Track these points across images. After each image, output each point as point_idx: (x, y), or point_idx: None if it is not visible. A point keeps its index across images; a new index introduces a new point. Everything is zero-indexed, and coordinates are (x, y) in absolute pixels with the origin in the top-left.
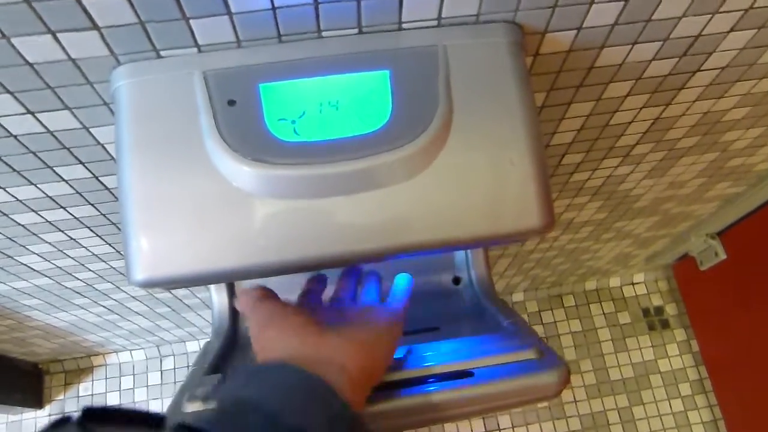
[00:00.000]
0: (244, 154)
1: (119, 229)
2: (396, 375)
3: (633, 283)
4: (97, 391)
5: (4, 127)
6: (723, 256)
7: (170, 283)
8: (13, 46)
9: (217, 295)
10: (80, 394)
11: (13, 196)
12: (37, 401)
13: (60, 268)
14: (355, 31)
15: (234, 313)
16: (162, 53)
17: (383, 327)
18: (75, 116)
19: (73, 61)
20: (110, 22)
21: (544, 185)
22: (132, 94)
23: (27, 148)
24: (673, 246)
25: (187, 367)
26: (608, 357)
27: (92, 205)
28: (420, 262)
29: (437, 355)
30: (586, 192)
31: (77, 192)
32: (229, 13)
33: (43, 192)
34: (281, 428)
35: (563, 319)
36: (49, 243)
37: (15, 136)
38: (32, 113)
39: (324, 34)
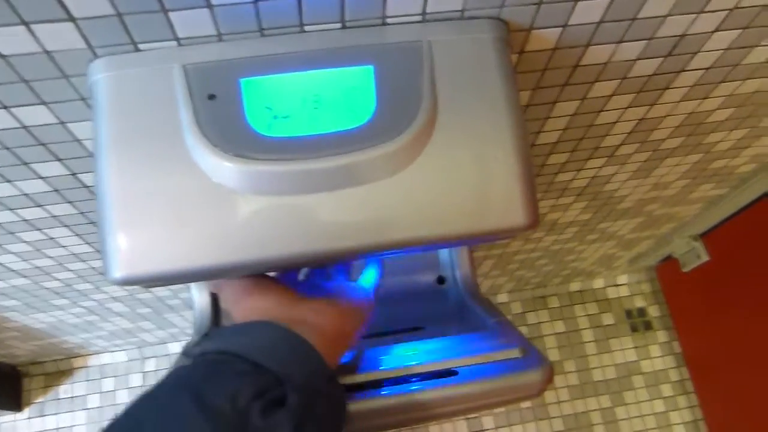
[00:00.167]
0: (224, 149)
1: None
2: (380, 374)
3: (616, 285)
4: (77, 393)
5: None
6: (705, 257)
7: (149, 281)
8: None
9: (199, 295)
10: (60, 397)
11: None
12: (16, 404)
13: (38, 268)
14: (339, 25)
15: (215, 313)
16: (140, 46)
17: (355, 300)
18: (51, 111)
19: (49, 53)
20: (87, 13)
21: (529, 183)
22: (110, 88)
23: (2, 144)
24: (657, 247)
25: (169, 368)
26: (591, 358)
27: (70, 202)
28: (405, 261)
29: (421, 354)
30: (570, 192)
31: (54, 189)
32: (209, 5)
33: (19, 189)
34: (265, 375)
35: (547, 320)
36: (27, 242)
37: None
38: (6, 108)
39: (307, 28)
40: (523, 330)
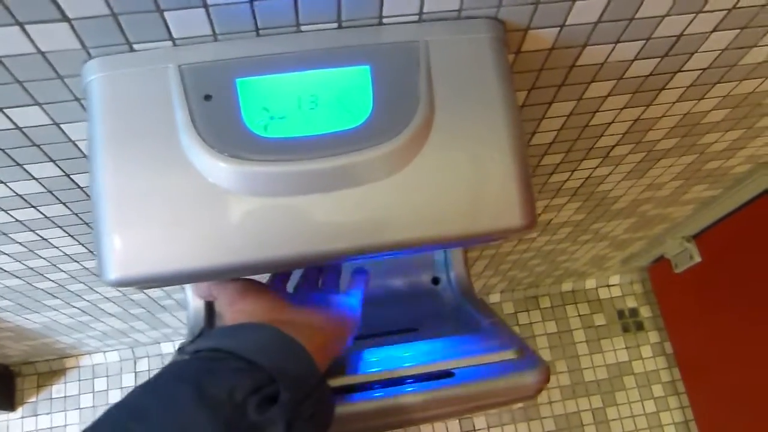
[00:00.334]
0: (220, 150)
1: (92, 228)
2: (375, 375)
3: (608, 285)
4: (70, 393)
5: None
6: (698, 259)
7: (144, 282)
8: None
9: (193, 296)
10: (53, 396)
11: None
12: (9, 403)
13: (31, 268)
14: (335, 25)
15: (209, 314)
16: (135, 46)
17: (343, 311)
18: (45, 112)
19: (43, 54)
20: (81, 13)
21: (526, 184)
22: (104, 88)
23: None
24: (649, 248)
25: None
26: (583, 358)
27: (64, 204)
28: (399, 262)
29: (417, 356)
30: (564, 193)
31: (48, 190)
32: (205, 5)
33: (13, 190)
34: (259, 373)
35: (539, 320)
36: (20, 243)
37: None
38: (0, 109)
39: (303, 28)
40: (515, 330)
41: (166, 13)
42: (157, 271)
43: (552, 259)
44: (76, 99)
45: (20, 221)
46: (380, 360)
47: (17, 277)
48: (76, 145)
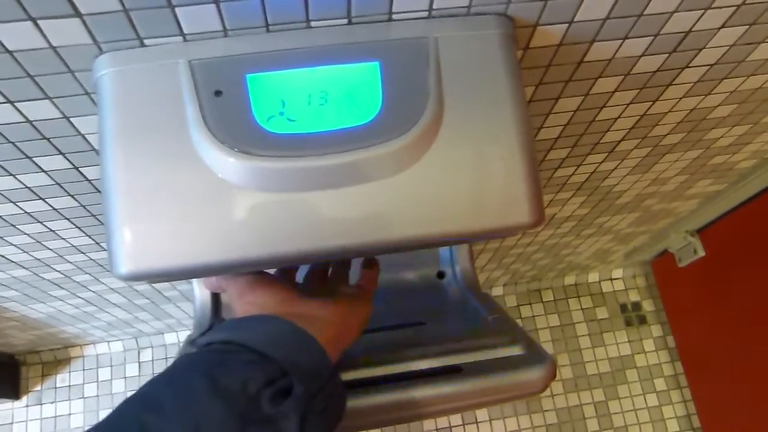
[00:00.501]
0: (230, 145)
1: (99, 220)
2: (384, 370)
3: (611, 279)
4: (74, 382)
5: None
6: (702, 253)
7: (155, 277)
8: None
9: (199, 288)
10: (58, 386)
11: None
12: (13, 392)
13: (38, 259)
14: (345, 21)
15: (216, 306)
16: (146, 42)
17: (353, 301)
18: (55, 106)
19: (54, 49)
20: (93, 9)
21: (534, 181)
22: (115, 83)
23: (6, 138)
24: (653, 242)
25: (165, 359)
26: (585, 352)
27: (72, 196)
28: (404, 256)
29: (425, 351)
30: (569, 188)
31: (57, 183)
32: (215, 1)
33: (22, 183)
34: (271, 365)
35: (542, 313)
36: (28, 234)
37: None
38: (11, 102)
39: (313, 24)
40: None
41: (177, 9)
42: (168, 266)
43: (555, 252)
44: (87, 93)
45: (28, 213)
46: (388, 355)
47: (24, 267)
48: (85, 139)
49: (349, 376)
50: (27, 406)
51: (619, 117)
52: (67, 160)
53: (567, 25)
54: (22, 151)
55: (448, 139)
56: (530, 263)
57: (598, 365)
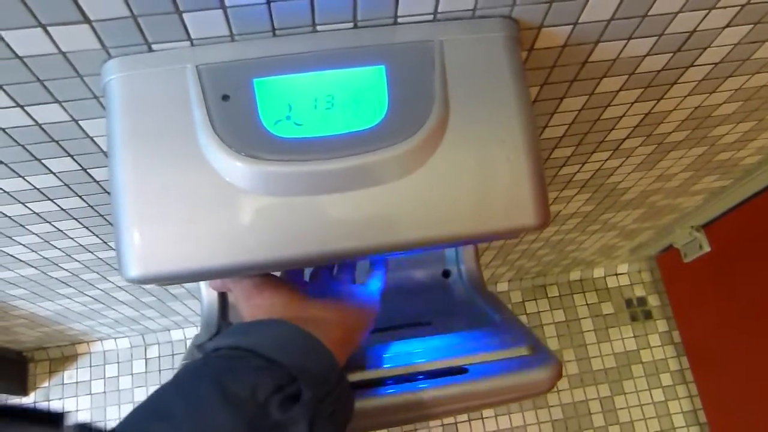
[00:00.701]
0: (237, 149)
1: (106, 220)
2: (390, 371)
3: (617, 274)
4: (81, 378)
5: None
6: (707, 248)
7: (164, 280)
8: (2, 39)
9: (206, 288)
10: (65, 382)
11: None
12: (22, 389)
13: (46, 258)
14: (351, 25)
15: (223, 306)
16: (154, 47)
17: (361, 302)
18: (64, 109)
19: (64, 54)
20: (102, 15)
21: (540, 182)
22: (124, 87)
23: (15, 140)
24: (658, 238)
25: (172, 355)
26: (591, 347)
27: (80, 196)
28: (409, 255)
29: (430, 351)
30: (574, 185)
31: (65, 184)
32: (223, 6)
33: (31, 184)
34: (279, 371)
35: (547, 309)
36: (36, 234)
37: (3, 129)
38: (21, 106)
39: (319, 28)
40: (523, 319)
41: (184, 15)
42: (177, 269)
43: (560, 248)
44: (95, 97)
45: (37, 213)
46: (394, 356)
47: (32, 266)
48: (93, 141)
49: (354, 377)
50: (35, 402)
51: (623, 115)
52: (76, 161)
53: (572, 26)
54: (32, 153)
55: (454, 141)
56: (535, 259)
57: (604, 361)
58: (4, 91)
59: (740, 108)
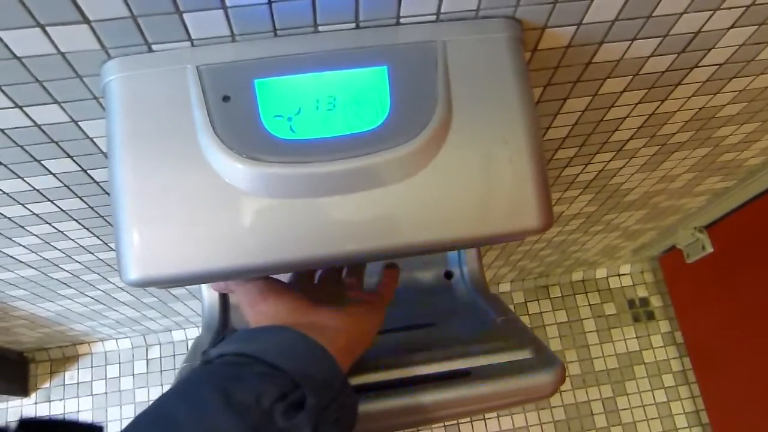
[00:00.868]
0: (238, 151)
1: (107, 221)
2: (392, 374)
3: (619, 275)
4: (82, 379)
5: None
6: (710, 249)
7: (164, 283)
8: (1, 39)
9: (208, 290)
10: (66, 383)
11: None
12: (22, 389)
13: (47, 259)
14: (353, 25)
15: (224, 307)
16: (154, 47)
17: (367, 308)
18: (64, 110)
19: (63, 54)
20: (101, 15)
21: (543, 185)
22: (124, 88)
23: (14, 141)
24: (661, 238)
25: (173, 356)
26: (593, 348)
27: (80, 197)
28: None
29: (433, 354)
30: (577, 186)
31: (65, 185)
32: (223, 6)
33: (31, 185)
34: (283, 377)
35: (549, 309)
36: (36, 235)
37: (2, 130)
38: (20, 107)
39: (321, 28)
40: (525, 320)
41: (185, 15)
42: (177, 272)
43: (563, 249)
44: (95, 97)
45: (37, 214)
46: (396, 359)
47: (32, 267)
48: (93, 142)
49: (356, 380)
50: (36, 403)
51: (627, 116)
52: (75, 162)
53: (576, 27)
54: (31, 154)
55: (457, 143)
56: (537, 260)
57: (606, 361)
58: (3, 91)
59: (745, 109)
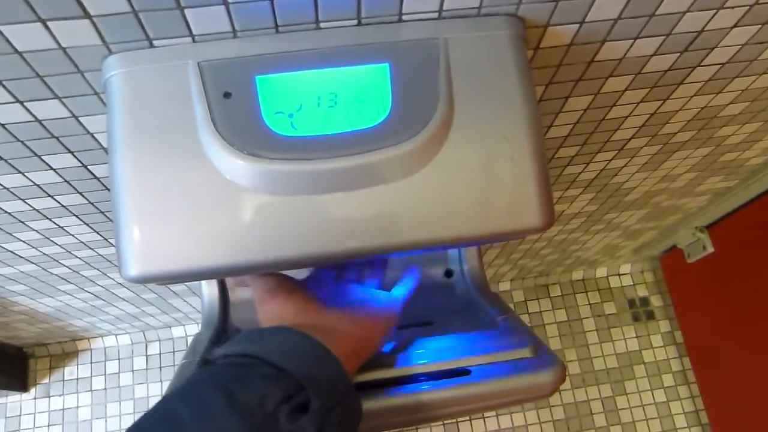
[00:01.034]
0: (239, 148)
1: (107, 217)
2: (391, 372)
3: (619, 274)
4: (82, 375)
5: None
6: (711, 249)
7: (164, 279)
8: (2, 34)
9: (208, 286)
10: (65, 378)
11: None
12: (21, 385)
13: (47, 255)
14: (355, 22)
15: (224, 304)
16: (155, 43)
17: (380, 309)
18: (64, 105)
19: (64, 50)
20: (102, 10)
21: (545, 183)
22: (125, 84)
23: (15, 136)
24: (662, 238)
25: (173, 352)
26: (593, 347)
27: (80, 193)
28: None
29: (433, 353)
30: (578, 185)
31: (65, 180)
32: (225, 2)
33: (31, 180)
34: (288, 379)
35: (549, 308)
36: (36, 230)
37: (3, 125)
38: (21, 102)
39: (322, 25)
40: (525, 318)
41: (186, 10)
42: (177, 268)
43: (563, 248)
44: (96, 93)
45: (37, 210)
46: (396, 357)
47: (32, 262)
48: (94, 137)
49: (355, 378)
50: (35, 398)
51: (629, 115)
52: (76, 158)
53: (578, 25)
54: (31, 150)
55: (459, 141)
56: (538, 258)
57: (606, 361)
58: (4, 86)
59: (747, 109)
